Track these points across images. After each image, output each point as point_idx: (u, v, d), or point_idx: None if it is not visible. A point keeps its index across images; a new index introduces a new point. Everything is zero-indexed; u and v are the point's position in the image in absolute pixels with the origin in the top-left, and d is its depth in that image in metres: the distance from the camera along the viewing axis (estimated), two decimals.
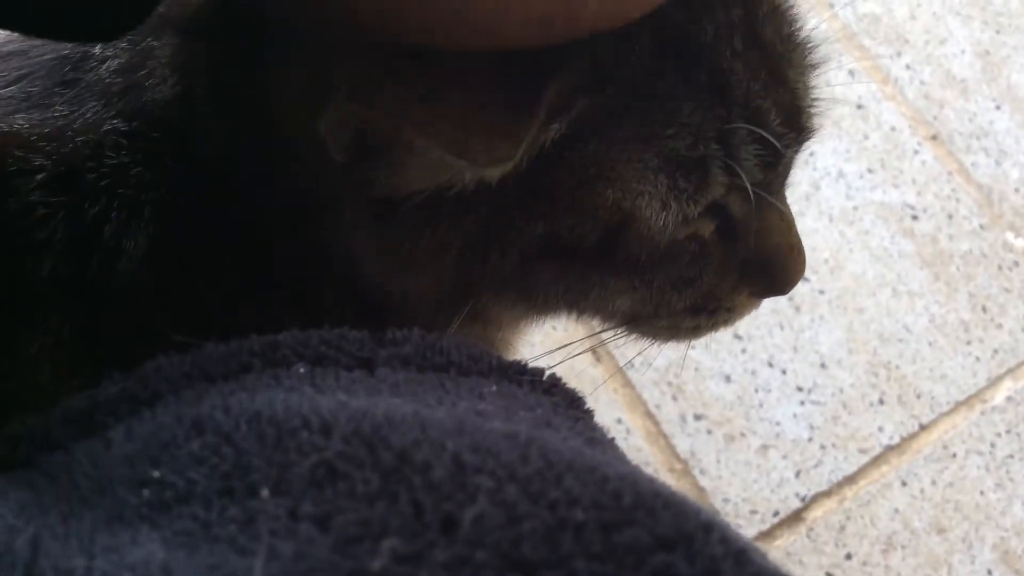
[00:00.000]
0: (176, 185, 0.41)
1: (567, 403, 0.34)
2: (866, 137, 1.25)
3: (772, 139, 0.43)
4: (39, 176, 0.39)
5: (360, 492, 0.24)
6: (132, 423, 0.25)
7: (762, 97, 0.43)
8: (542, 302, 0.48)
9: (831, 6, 1.35)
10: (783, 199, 0.50)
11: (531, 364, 0.35)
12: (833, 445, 1.03)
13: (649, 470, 0.98)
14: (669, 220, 0.43)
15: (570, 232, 0.43)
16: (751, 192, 0.44)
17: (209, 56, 0.42)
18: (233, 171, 0.42)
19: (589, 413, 0.35)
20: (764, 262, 0.50)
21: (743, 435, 1.02)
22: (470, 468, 0.24)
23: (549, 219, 0.43)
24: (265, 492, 0.23)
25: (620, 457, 0.31)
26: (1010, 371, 1.10)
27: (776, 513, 0.99)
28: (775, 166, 0.45)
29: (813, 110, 0.47)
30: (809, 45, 0.48)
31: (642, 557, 0.23)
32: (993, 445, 1.05)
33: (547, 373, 0.35)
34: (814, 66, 0.48)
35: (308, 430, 0.25)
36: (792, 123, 0.45)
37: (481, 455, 0.25)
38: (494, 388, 0.32)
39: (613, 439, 0.35)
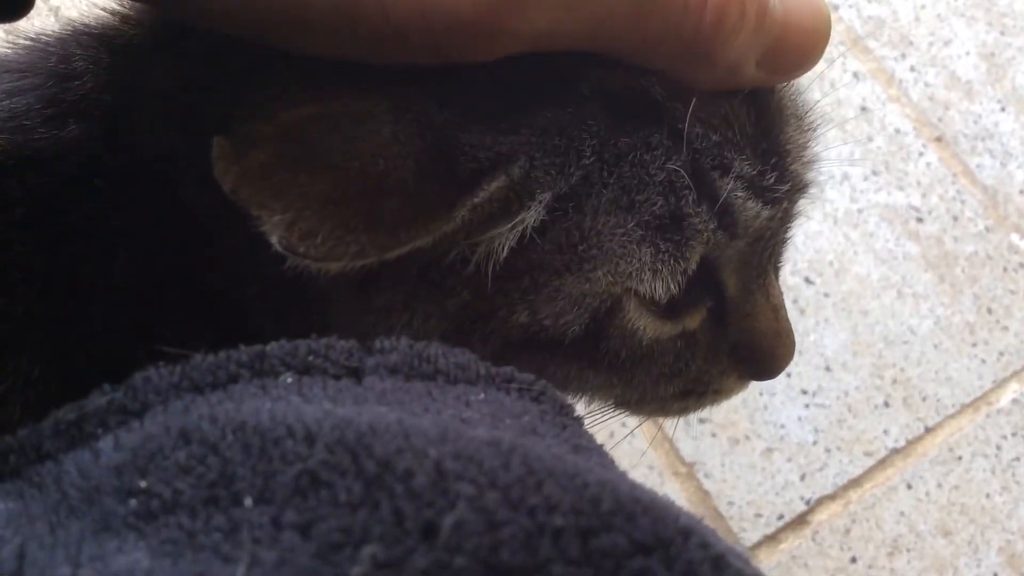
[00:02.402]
0: (145, 227, 0.40)
1: (555, 410, 0.34)
2: (870, 139, 1.25)
3: (750, 176, 0.42)
4: (18, 211, 0.38)
5: (343, 500, 0.24)
6: (120, 434, 0.26)
7: (733, 142, 0.42)
8: None
9: (835, 8, 1.35)
10: (771, 282, 0.49)
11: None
12: (838, 448, 1.03)
13: (654, 473, 0.98)
14: (661, 289, 0.42)
15: (554, 322, 0.42)
16: (738, 265, 0.43)
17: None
18: (199, 216, 0.40)
19: (578, 420, 0.35)
20: (752, 348, 0.49)
21: (748, 438, 1.02)
22: (451, 475, 0.25)
23: (532, 308, 0.42)
24: (248, 501, 0.24)
25: (606, 464, 0.31)
26: (1016, 373, 1.10)
27: (781, 516, 0.99)
28: (767, 204, 0.44)
29: (804, 161, 0.46)
30: (805, 106, 0.47)
31: (620, 562, 0.24)
32: (999, 448, 1.05)
33: (537, 382, 0.35)
34: (809, 127, 0.47)
35: (292, 439, 0.25)
36: (777, 167, 0.44)
37: (463, 462, 0.25)
38: (481, 396, 0.32)
39: (602, 446, 0.35)
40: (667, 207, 0.40)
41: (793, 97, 0.46)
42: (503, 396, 0.33)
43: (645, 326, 0.45)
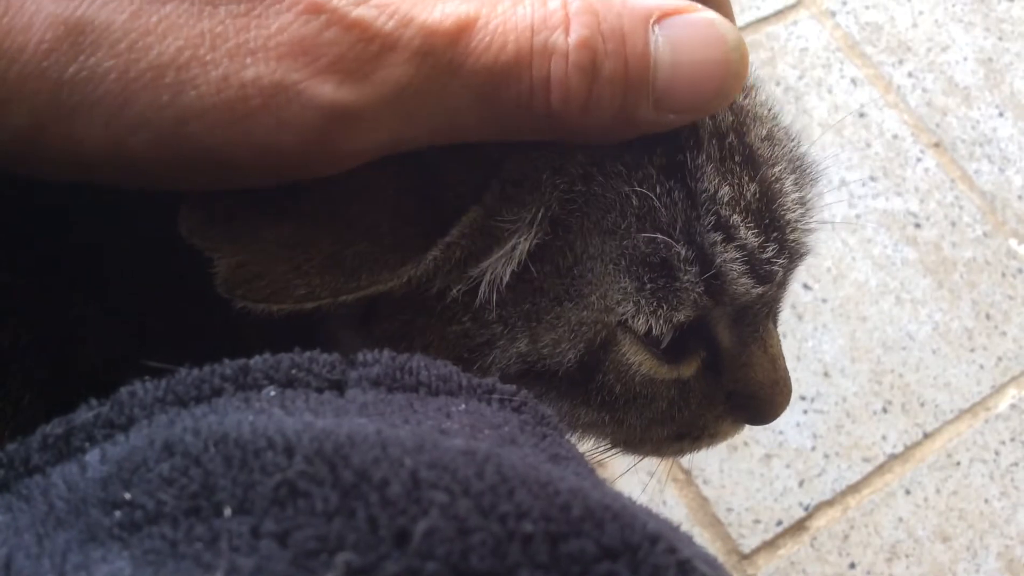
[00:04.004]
0: (136, 258, 0.40)
1: (536, 420, 0.34)
2: (868, 145, 1.26)
3: (752, 247, 0.41)
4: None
5: (319, 509, 0.25)
6: (107, 447, 0.27)
7: (739, 206, 0.41)
8: None
9: (833, 15, 1.36)
10: (768, 332, 0.49)
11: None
12: (836, 454, 1.04)
13: (652, 481, 0.99)
14: (650, 326, 0.41)
15: (552, 349, 0.42)
16: (732, 323, 0.43)
17: None
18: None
19: (558, 430, 0.35)
20: (749, 396, 0.49)
21: (746, 444, 1.03)
22: (426, 484, 0.25)
23: (533, 336, 0.41)
24: (228, 511, 0.24)
25: (582, 472, 0.32)
26: (1014, 379, 1.10)
27: (779, 522, 0.99)
28: (762, 279, 0.43)
29: (803, 227, 0.45)
30: (803, 159, 0.45)
31: (587, 566, 0.24)
32: (997, 453, 1.05)
33: (519, 392, 0.36)
34: (807, 177, 0.45)
35: (272, 451, 0.26)
36: (778, 240, 0.42)
37: (438, 471, 0.26)
38: (463, 407, 0.33)
39: (582, 455, 0.36)
40: (655, 249, 0.40)
41: (794, 148, 0.45)
42: (484, 407, 0.34)
43: (640, 362, 0.44)
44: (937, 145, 1.26)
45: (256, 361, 0.30)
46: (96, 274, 0.39)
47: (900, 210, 1.21)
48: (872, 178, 1.23)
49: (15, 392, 0.37)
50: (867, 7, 1.37)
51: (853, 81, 1.30)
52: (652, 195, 0.39)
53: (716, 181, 0.40)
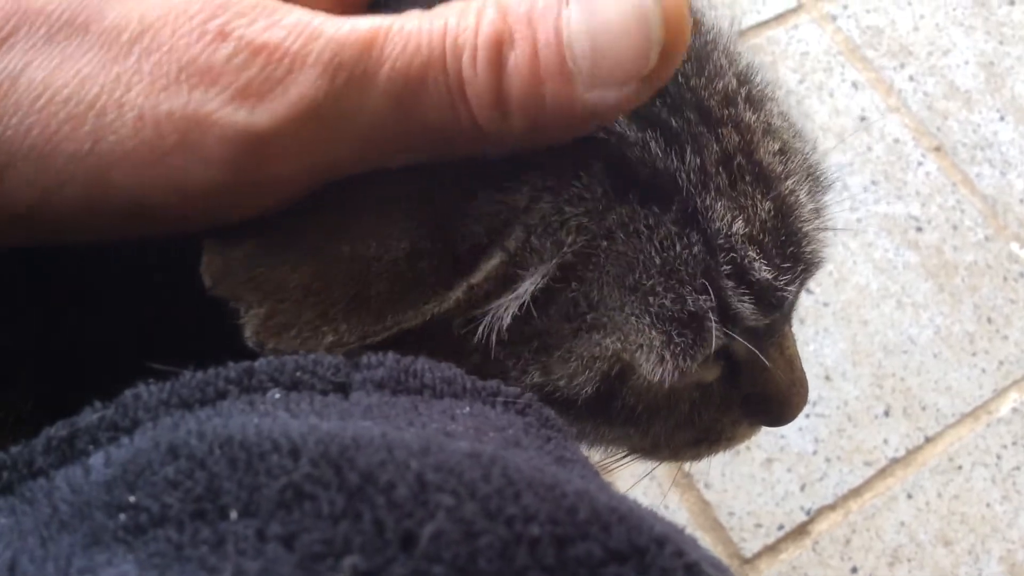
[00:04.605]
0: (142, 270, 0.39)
1: (540, 423, 0.34)
2: (869, 149, 1.26)
3: (767, 281, 0.41)
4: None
5: (325, 512, 0.25)
6: (111, 450, 0.26)
7: (753, 238, 0.40)
8: None
9: (834, 19, 1.36)
10: (785, 335, 0.48)
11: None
12: (838, 458, 1.03)
13: (654, 484, 0.99)
14: (666, 375, 0.41)
15: (568, 383, 0.41)
16: (749, 337, 0.43)
17: None
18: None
19: (563, 432, 0.35)
20: (766, 398, 0.49)
21: (748, 448, 1.03)
22: (432, 487, 0.25)
23: (544, 369, 0.41)
24: (234, 514, 0.24)
25: (588, 475, 0.32)
26: (1016, 383, 1.10)
27: (781, 527, 0.99)
28: (775, 308, 0.43)
29: (819, 237, 0.44)
30: (815, 163, 0.45)
31: (594, 570, 0.24)
32: (999, 457, 1.05)
33: (523, 395, 0.35)
34: (821, 185, 0.45)
35: (278, 453, 0.26)
36: (793, 256, 0.42)
37: (443, 474, 0.26)
38: (467, 409, 0.33)
39: (587, 457, 0.36)
40: (679, 304, 0.39)
41: (809, 154, 0.44)
42: (488, 410, 0.33)
43: (658, 381, 0.43)
44: (938, 149, 1.26)
45: (260, 364, 0.30)
46: (95, 279, 0.39)
47: (901, 214, 1.21)
48: (873, 182, 1.23)
49: (15, 400, 0.37)
50: (868, 11, 1.37)
51: (854, 85, 1.30)
52: (674, 252, 0.39)
53: (728, 216, 0.40)
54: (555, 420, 0.36)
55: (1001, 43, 1.35)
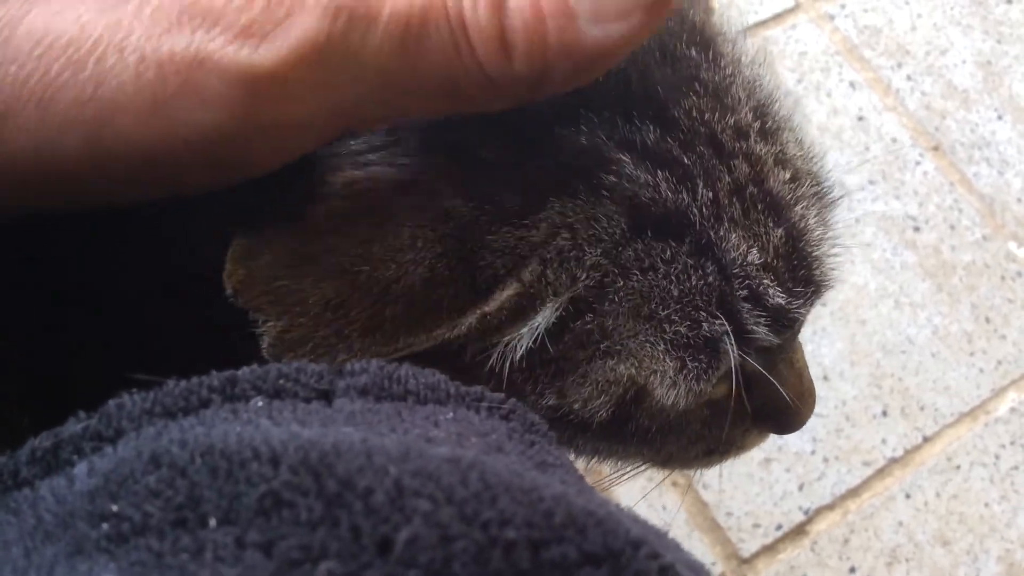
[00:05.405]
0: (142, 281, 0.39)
1: (524, 428, 0.35)
2: (867, 148, 1.26)
3: (781, 305, 0.42)
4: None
5: (303, 519, 0.25)
6: (94, 459, 0.27)
7: (768, 265, 0.41)
8: None
9: (831, 18, 1.36)
10: (794, 348, 0.50)
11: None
12: (836, 458, 1.04)
13: (651, 486, 0.99)
14: (680, 399, 0.42)
15: (583, 406, 0.42)
16: (761, 356, 0.44)
17: None
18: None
19: (548, 437, 0.36)
20: (776, 409, 0.50)
21: None
22: (409, 492, 0.26)
23: (560, 392, 0.42)
24: (213, 522, 0.25)
25: (570, 479, 0.32)
26: (1014, 382, 1.10)
27: (779, 527, 0.99)
28: (787, 328, 0.44)
29: (829, 259, 0.46)
30: (824, 186, 0.46)
31: (568, 572, 0.24)
32: (997, 457, 1.05)
33: (507, 400, 0.36)
34: (829, 206, 0.46)
35: (258, 461, 0.26)
36: (804, 279, 0.43)
37: (421, 479, 0.26)
38: (450, 415, 0.33)
39: (571, 462, 0.36)
40: (695, 330, 0.40)
41: (817, 174, 0.45)
42: (472, 415, 0.34)
43: (671, 404, 0.45)
44: (936, 148, 1.26)
45: (244, 372, 0.30)
46: (91, 289, 0.39)
47: (899, 213, 1.21)
48: (871, 182, 1.23)
49: (10, 413, 0.37)
50: (866, 10, 1.37)
51: (852, 85, 1.31)
52: (690, 284, 0.40)
53: (744, 247, 0.41)
54: (539, 425, 0.36)
55: (999, 42, 1.35)
